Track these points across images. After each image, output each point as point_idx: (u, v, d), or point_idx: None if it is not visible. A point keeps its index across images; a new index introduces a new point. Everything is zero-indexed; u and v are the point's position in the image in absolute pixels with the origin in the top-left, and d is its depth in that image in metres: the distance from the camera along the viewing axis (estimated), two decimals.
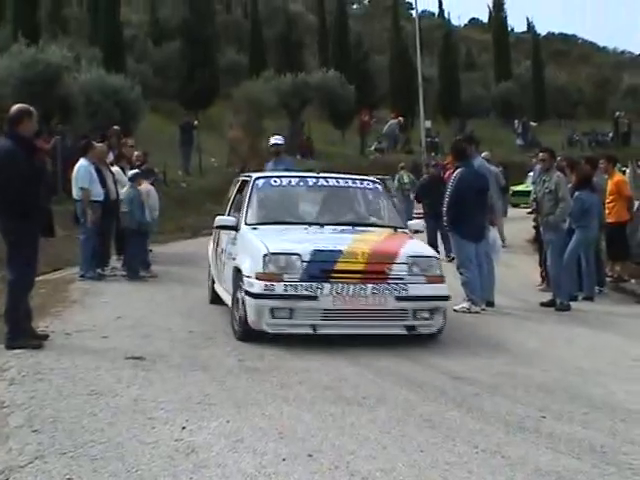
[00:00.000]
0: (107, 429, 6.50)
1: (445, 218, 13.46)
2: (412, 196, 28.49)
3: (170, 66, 47.29)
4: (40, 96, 23.98)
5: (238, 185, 12.80)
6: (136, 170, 16.60)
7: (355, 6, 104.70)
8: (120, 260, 16.75)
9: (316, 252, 9.88)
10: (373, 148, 47.51)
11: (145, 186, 16.57)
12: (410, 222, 12.18)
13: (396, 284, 9.86)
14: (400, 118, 48.93)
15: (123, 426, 6.57)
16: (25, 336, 9.32)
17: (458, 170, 13.42)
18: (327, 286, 9.66)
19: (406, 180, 29.31)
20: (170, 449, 6.08)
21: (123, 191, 16.22)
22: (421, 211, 21.92)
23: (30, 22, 37.59)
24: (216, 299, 12.48)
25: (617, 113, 57.34)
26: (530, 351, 10.26)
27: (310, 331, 9.76)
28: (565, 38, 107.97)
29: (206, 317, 11.89)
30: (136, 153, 19.34)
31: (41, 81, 25.50)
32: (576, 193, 14.19)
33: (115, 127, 21.55)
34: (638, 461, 6.15)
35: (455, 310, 12.53)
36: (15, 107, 9.57)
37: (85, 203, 15.03)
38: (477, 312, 12.74)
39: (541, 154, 14.43)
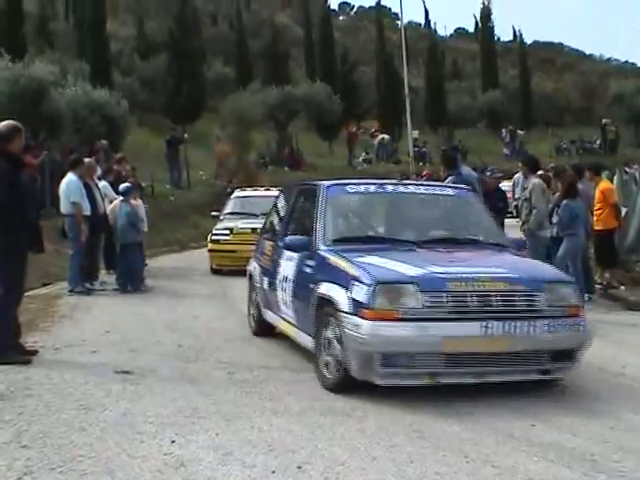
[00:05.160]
0: (96, 444, 6.48)
1: None
2: None
3: (157, 80, 47.44)
4: (27, 111, 23.95)
5: None
6: (129, 184, 16.63)
7: (341, 18, 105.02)
8: (110, 274, 16.79)
9: None
10: (361, 159, 47.61)
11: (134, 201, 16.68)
12: None
13: None
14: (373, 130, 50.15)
15: (112, 440, 6.55)
16: (14, 351, 9.30)
17: (448, 178, 13.42)
18: None
19: None
20: (159, 463, 6.06)
21: (111, 206, 16.27)
22: None
23: (16, 37, 37.69)
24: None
25: (604, 120, 57.44)
26: None
27: None
28: (551, 46, 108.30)
29: (195, 331, 11.87)
30: (127, 167, 19.50)
31: (28, 97, 25.45)
32: (564, 201, 14.21)
33: (103, 141, 21.57)
34: (628, 468, 6.15)
35: None
36: (5, 124, 9.57)
37: (78, 217, 15.01)
38: None
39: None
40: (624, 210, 17.51)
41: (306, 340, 9.20)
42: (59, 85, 28.02)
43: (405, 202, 10.44)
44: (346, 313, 7.99)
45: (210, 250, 19.63)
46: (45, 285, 16.19)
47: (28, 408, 7.46)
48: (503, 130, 56.73)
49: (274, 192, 20.80)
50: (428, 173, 29.69)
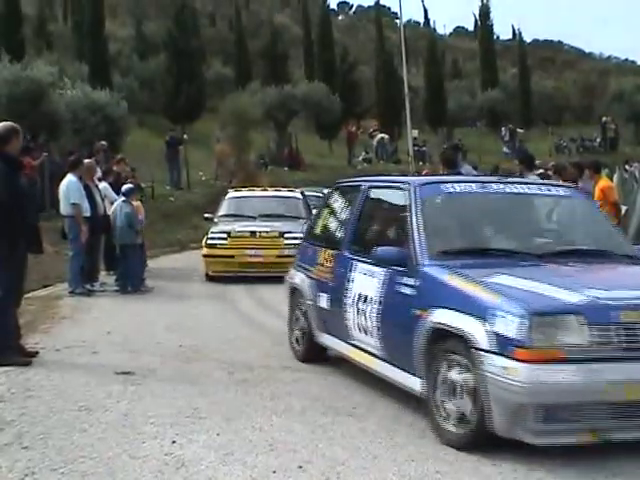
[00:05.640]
0: (97, 444, 6.48)
1: None
2: None
3: (156, 80, 47.45)
4: (26, 113, 23.97)
5: None
6: (131, 185, 16.64)
7: (340, 17, 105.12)
8: (110, 275, 16.77)
9: None
10: (361, 159, 47.59)
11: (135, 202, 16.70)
12: None
13: None
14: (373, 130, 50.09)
15: (113, 441, 6.55)
16: (13, 353, 9.29)
17: None
18: None
19: None
20: (160, 463, 6.06)
21: (113, 207, 16.28)
22: None
23: (15, 39, 37.74)
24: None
25: (604, 118, 57.47)
26: None
27: None
28: (551, 45, 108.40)
29: (195, 331, 11.86)
30: (126, 168, 19.49)
31: (27, 98, 25.46)
32: None
33: (102, 142, 21.55)
34: (629, 468, 6.13)
35: None
36: (2, 126, 9.52)
37: (78, 218, 14.98)
38: None
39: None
40: (624, 208, 17.49)
41: (405, 380, 7.41)
42: (58, 87, 28.04)
43: (514, 204, 8.41)
44: (486, 352, 6.16)
45: (205, 255, 17.99)
46: (45, 286, 16.15)
47: (29, 409, 7.46)
48: (503, 129, 56.67)
49: (271, 192, 20.59)
50: (428, 172, 29.61)
